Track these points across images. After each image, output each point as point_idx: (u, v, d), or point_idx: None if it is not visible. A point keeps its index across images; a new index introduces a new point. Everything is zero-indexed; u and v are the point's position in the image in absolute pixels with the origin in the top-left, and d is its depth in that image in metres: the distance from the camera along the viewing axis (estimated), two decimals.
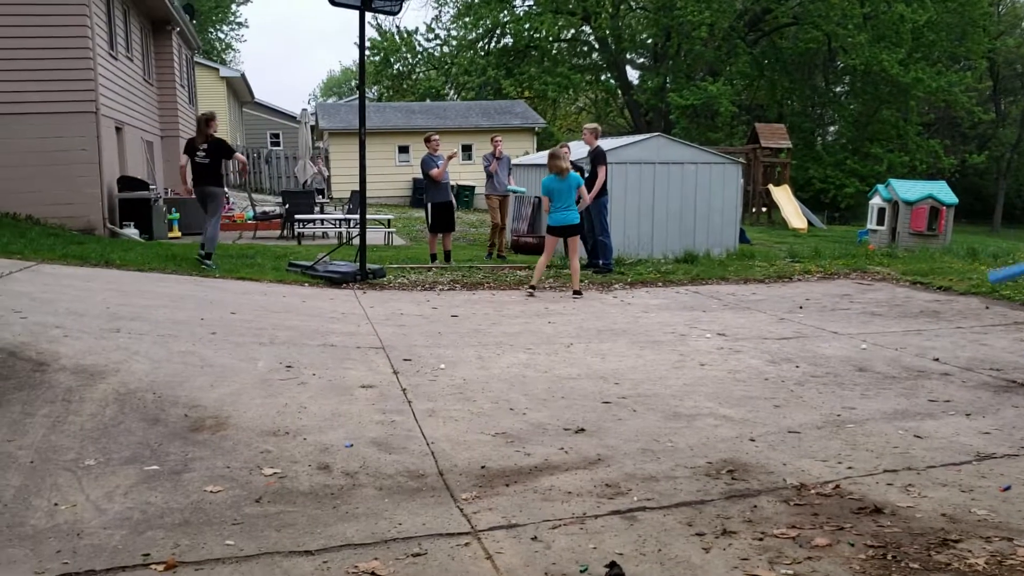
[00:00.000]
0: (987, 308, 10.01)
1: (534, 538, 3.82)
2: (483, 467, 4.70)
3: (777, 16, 41.55)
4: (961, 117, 42.27)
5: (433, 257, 13.92)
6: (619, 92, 48.37)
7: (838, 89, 47.77)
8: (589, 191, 12.54)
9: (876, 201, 21.55)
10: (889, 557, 3.61)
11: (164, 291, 9.55)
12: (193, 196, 12.39)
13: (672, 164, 14.98)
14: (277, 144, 42.83)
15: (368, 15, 12.43)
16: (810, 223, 29.23)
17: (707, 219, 15.05)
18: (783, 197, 29.25)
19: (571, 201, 11.06)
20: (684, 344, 8.07)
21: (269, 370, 6.54)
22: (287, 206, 19.04)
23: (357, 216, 13.32)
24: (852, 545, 3.73)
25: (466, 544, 3.76)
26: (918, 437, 5.28)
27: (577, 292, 10.99)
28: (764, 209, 30.76)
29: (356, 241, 12.37)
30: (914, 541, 3.77)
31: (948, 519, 4.02)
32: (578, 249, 11.33)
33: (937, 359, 7.42)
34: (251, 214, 20.37)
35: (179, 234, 17.86)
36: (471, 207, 29.68)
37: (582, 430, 5.39)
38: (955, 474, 4.64)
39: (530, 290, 11.16)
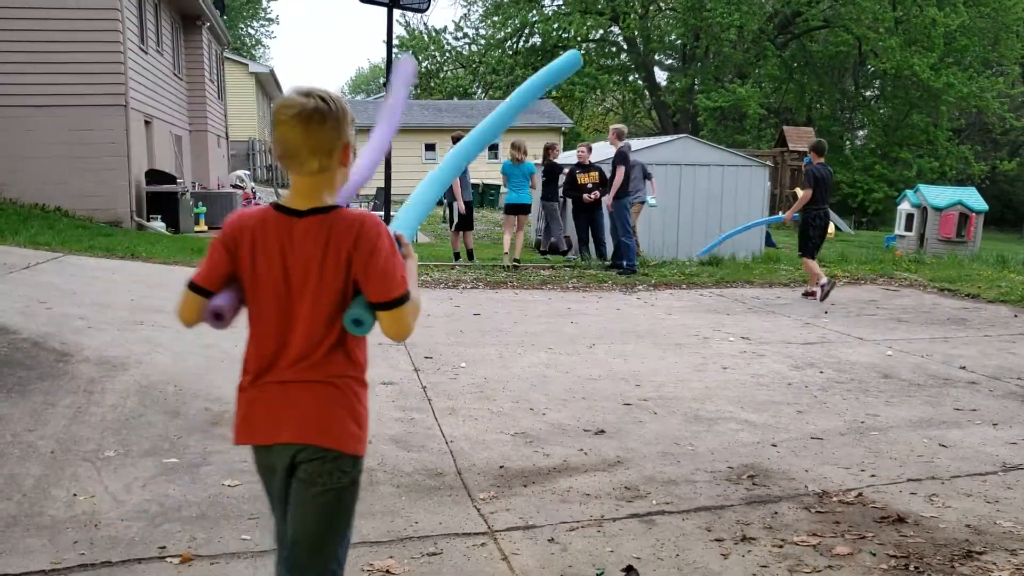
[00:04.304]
0: (1015, 316, 9.89)
1: (551, 540, 3.80)
2: (502, 467, 4.67)
3: (807, 19, 41.26)
4: (992, 123, 41.76)
5: (456, 255, 13.92)
6: (647, 93, 48.26)
7: (868, 93, 47.40)
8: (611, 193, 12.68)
9: (904, 207, 21.37)
10: (911, 568, 3.56)
11: None
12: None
13: (699, 166, 14.94)
14: None
15: (396, 13, 12.44)
16: (837, 228, 29.02)
17: (733, 222, 14.98)
18: None
19: (524, 184, 13.45)
20: (707, 347, 8.01)
21: None
22: None
23: (382, 213, 13.34)
24: (874, 555, 3.68)
25: (482, 544, 3.73)
26: (943, 446, 5.21)
27: (517, 261, 13.20)
28: None
29: None
30: (937, 552, 3.72)
31: (972, 530, 3.96)
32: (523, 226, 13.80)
33: (964, 367, 7.33)
34: None
35: (205, 228, 17.94)
36: (496, 206, 29.67)
37: (602, 432, 5.36)
38: (980, 484, 4.57)
39: (514, 262, 13.05)
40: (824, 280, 10.83)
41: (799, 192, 11.14)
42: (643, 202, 14.07)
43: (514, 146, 13.58)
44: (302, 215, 2.27)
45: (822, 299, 10.71)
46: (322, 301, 2.25)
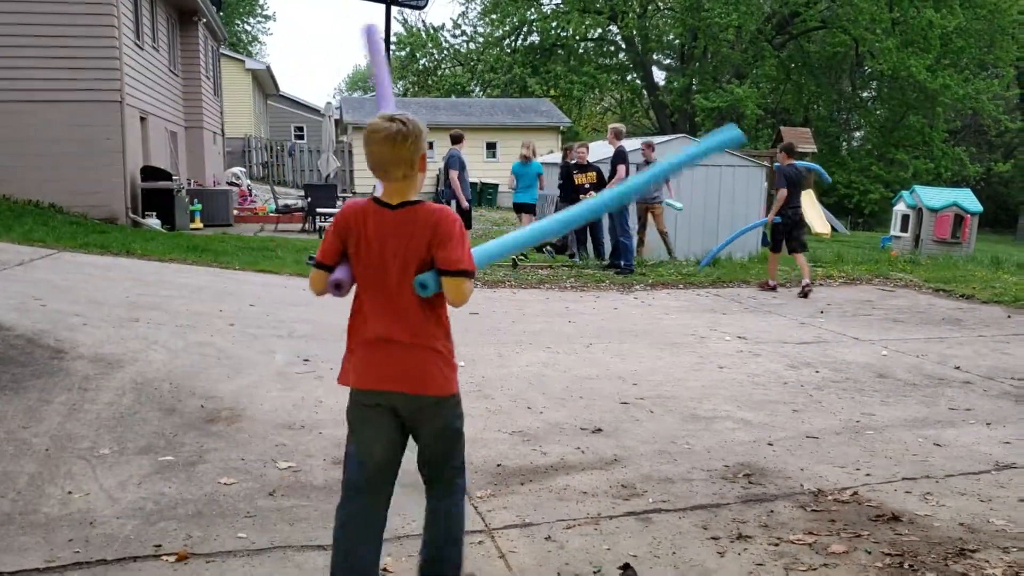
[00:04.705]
0: (1009, 317, 9.91)
1: (548, 537, 3.80)
2: (499, 465, 4.67)
3: (805, 20, 41.25)
4: (988, 125, 41.75)
5: None
6: (645, 93, 48.24)
7: (865, 94, 47.42)
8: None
9: (900, 207, 21.40)
10: (906, 566, 3.56)
11: (184, 282, 9.58)
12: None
13: (696, 166, 14.92)
14: (301, 137, 42.90)
15: (394, 9, 12.43)
16: (833, 228, 29.04)
17: (730, 222, 14.98)
18: (807, 202, 28.96)
19: (533, 184, 14.59)
20: (703, 346, 8.02)
21: (286, 363, 6.55)
22: (309, 199, 19.07)
23: None
24: (869, 553, 3.69)
25: (479, 542, 3.73)
26: (937, 445, 5.22)
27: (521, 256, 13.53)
28: None
29: None
30: (932, 550, 3.72)
31: (966, 528, 3.97)
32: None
33: (958, 367, 7.34)
34: (273, 207, 20.43)
35: (201, 225, 17.93)
36: (494, 205, 29.67)
37: (599, 430, 5.36)
38: (974, 483, 4.58)
39: (518, 257, 13.32)
40: (773, 283, 11.87)
41: (780, 194, 11.31)
42: (660, 202, 14.06)
43: (524, 146, 14.69)
44: (394, 208, 2.87)
45: (763, 287, 11.90)
46: (411, 274, 2.85)
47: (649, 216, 14.39)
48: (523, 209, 14.56)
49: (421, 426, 2.98)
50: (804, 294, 11.33)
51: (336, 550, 3.01)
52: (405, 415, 2.94)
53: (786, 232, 11.70)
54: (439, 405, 2.96)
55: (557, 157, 19.28)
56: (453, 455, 3.08)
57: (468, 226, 14.16)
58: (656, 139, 16.54)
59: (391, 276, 2.86)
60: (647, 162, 13.95)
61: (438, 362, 2.93)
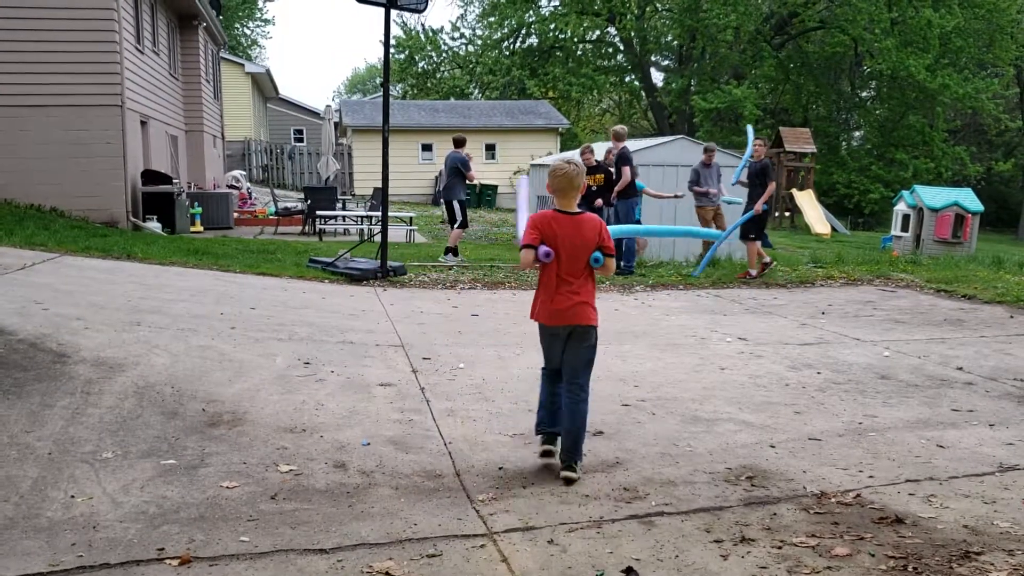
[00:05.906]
0: (1011, 317, 9.90)
1: (550, 541, 3.79)
2: (501, 468, 4.67)
3: (804, 20, 41.28)
4: (988, 124, 41.75)
5: (456, 251, 13.94)
6: (643, 94, 48.20)
7: (864, 94, 47.40)
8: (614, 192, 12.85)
9: (901, 207, 21.38)
10: (910, 568, 3.56)
11: (185, 285, 9.58)
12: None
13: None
14: (301, 140, 42.89)
15: (394, 13, 12.43)
16: (833, 228, 29.03)
17: (728, 222, 14.95)
18: (806, 202, 29.07)
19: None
20: (704, 348, 8.01)
21: (287, 366, 6.54)
22: (309, 202, 19.06)
23: (379, 213, 13.34)
24: (872, 555, 3.68)
25: (481, 546, 3.73)
26: (940, 447, 5.22)
27: None
28: (787, 214, 30.60)
29: (377, 238, 12.38)
30: (936, 553, 3.72)
31: (970, 531, 3.96)
32: None
33: (960, 368, 7.33)
34: (273, 209, 20.42)
35: (201, 228, 17.92)
36: (493, 206, 29.67)
37: (600, 432, 5.35)
38: (978, 485, 4.57)
39: None
40: (754, 273, 12.86)
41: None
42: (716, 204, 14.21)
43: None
44: (571, 215, 4.63)
45: (743, 277, 12.77)
46: (581, 257, 4.61)
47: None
48: None
49: (575, 342, 4.66)
50: (746, 279, 12.64)
51: (540, 404, 4.91)
52: (569, 336, 4.66)
53: (765, 220, 13.01)
54: (587, 330, 4.67)
55: (554, 159, 19.26)
56: (587, 365, 4.72)
57: (464, 225, 14.18)
58: (656, 140, 16.53)
59: (574, 256, 4.58)
60: (707, 165, 14.27)
61: (589, 308, 4.67)
